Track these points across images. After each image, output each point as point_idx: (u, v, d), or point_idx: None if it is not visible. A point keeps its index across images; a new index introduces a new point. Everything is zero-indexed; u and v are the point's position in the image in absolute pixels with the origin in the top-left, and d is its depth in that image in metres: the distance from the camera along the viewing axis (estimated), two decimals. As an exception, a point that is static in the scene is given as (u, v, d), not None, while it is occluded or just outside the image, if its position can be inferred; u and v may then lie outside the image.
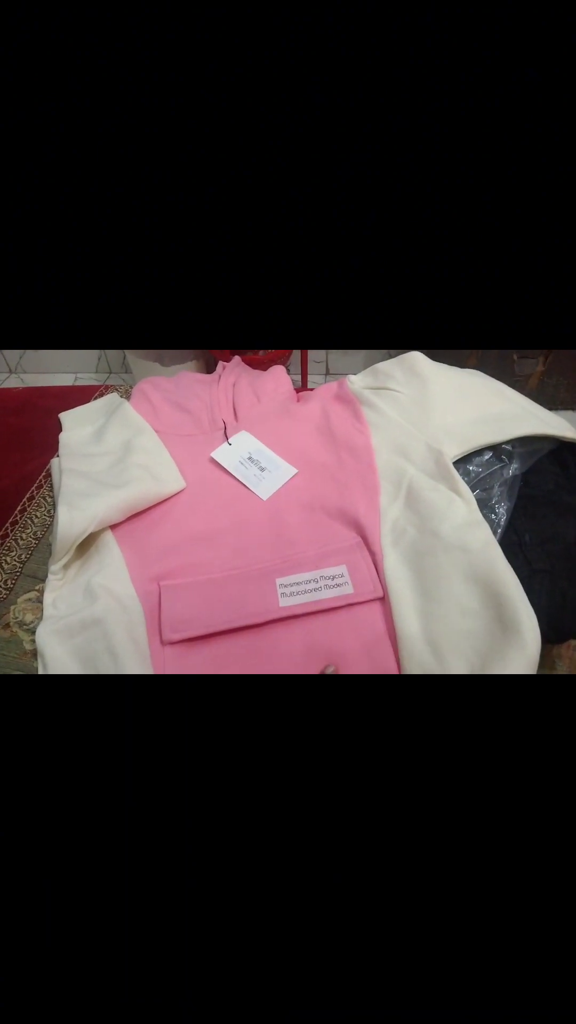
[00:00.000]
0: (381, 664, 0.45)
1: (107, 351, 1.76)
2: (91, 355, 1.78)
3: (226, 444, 0.66)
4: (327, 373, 1.80)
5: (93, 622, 0.47)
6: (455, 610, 0.45)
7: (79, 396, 0.85)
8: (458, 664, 0.42)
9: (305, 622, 0.48)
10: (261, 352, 1.68)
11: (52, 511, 0.65)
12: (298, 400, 0.76)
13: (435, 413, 0.61)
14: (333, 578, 0.50)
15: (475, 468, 0.55)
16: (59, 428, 0.74)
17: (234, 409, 0.73)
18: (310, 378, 1.69)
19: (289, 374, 1.77)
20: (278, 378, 0.77)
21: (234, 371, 0.80)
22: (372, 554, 0.51)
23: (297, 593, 0.49)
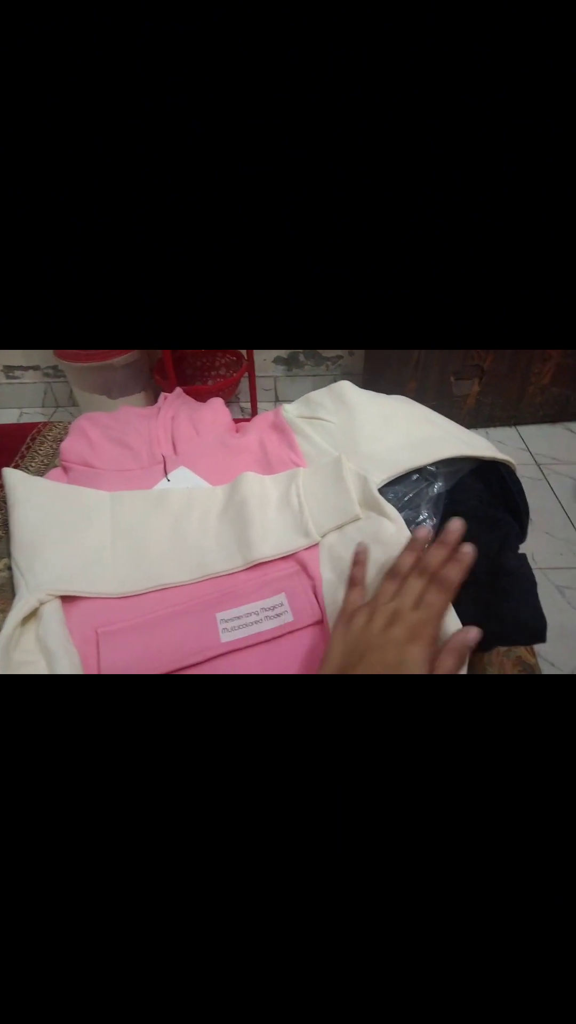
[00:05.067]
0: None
1: (53, 385, 1.76)
2: (37, 389, 1.77)
3: (164, 480, 0.67)
4: (276, 400, 1.83)
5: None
6: None
7: (15, 434, 0.84)
8: None
9: (246, 653, 0.49)
10: (210, 382, 1.71)
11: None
12: (237, 431, 0.78)
13: (362, 441, 0.64)
14: (273, 608, 0.51)
15: (402, 489, 0.58)
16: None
17: (173, 442, 0.74)
18: (260, 405, 1.71)
19: (239, 402, 1.81)
20: (216, 410, 0.79)
21: (174, 403, 0.82)
22: (311, 580, 0.53)
23: (238, 627, 0.50)
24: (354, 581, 0.47)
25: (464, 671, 0.44)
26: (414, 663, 0.39)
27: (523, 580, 0.53)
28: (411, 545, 0.47)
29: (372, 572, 0.49)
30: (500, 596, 0.50)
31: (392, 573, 0.45)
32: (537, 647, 0.86)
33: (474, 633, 0.41)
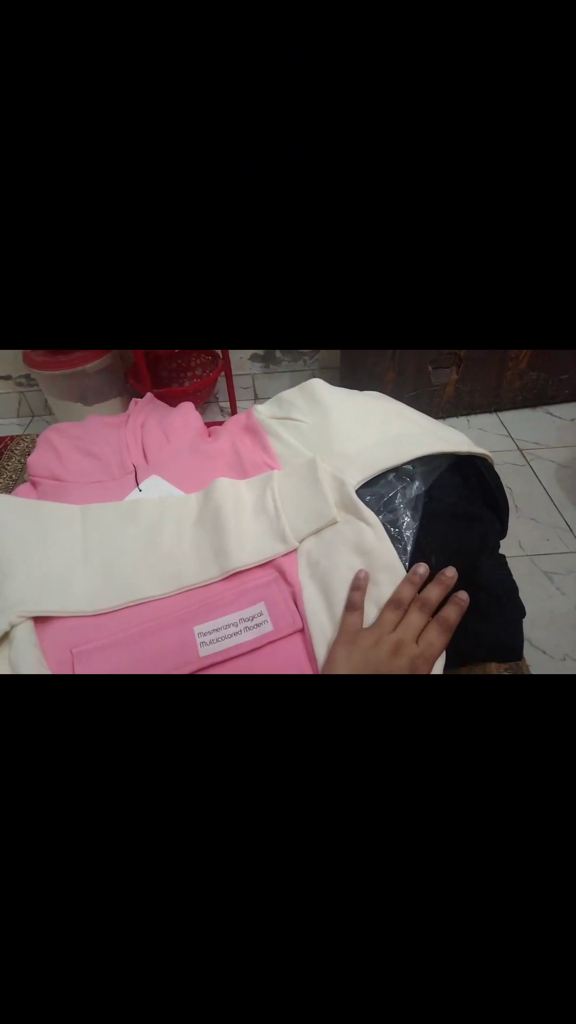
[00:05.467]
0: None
1: (27, 395, 1.71)
2: (11, 400, 1.73)
3: (136, 490, 0.65)
4: (255, 398, 1.82)
5: None
6: None
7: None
8: None
9: (226, 666, 0.47)
10: (187, 383, 1.69)
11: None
12: (208, 435, 0.76)
13: (337, 441, 0.63)
14: (252, 618, 0.50)
15: (380, 490, 0.57)
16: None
17: (143, 451, 0.72)
18: (239, 404, 1.70)
19: (218, 402, 1.79)
20: (187, 414, 0.77)
21: (143, 410, 0.80)
22: (290, 587, 0.52)
23: (217, 640, 0.48)
24: (353, 605, 0.48)
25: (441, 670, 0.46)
26: None
27: (502, 592, 0.54)
28: (411, 578, 0.49)
29: (343, 591, 0.49)
30: (478, 615, 0.51)
31: (394, 603, 0.48)
32: (528, 635, 0.88)
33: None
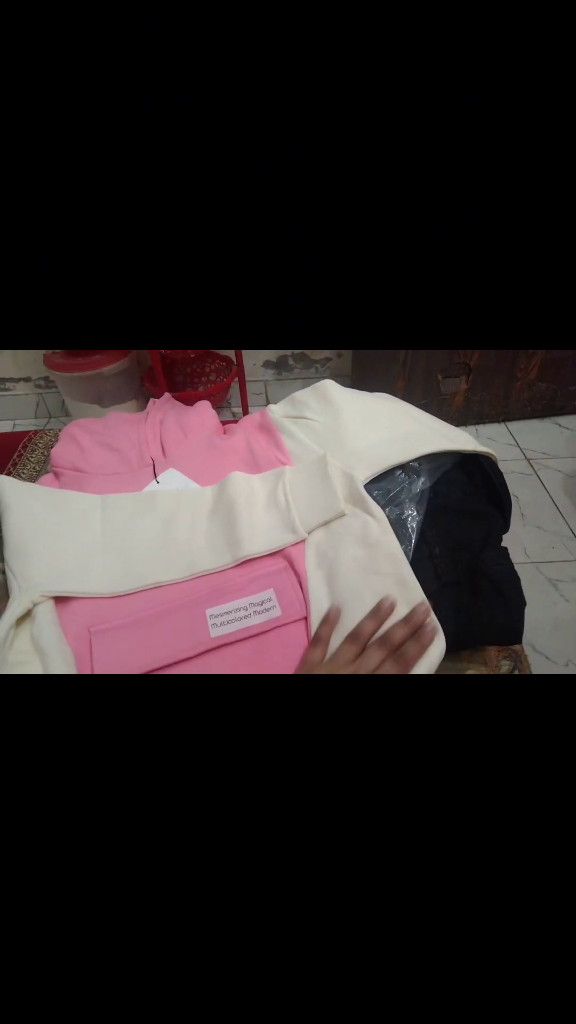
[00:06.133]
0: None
1: (45, 396, 1.75)
2: (29, 401, 1.76)
3: (154, 482, 0.68)
4: (267, 404, 1.83)
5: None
6: None
7: (7, 442, 0.84)
8: None
9: (236, 647, 0.49)
10: (201, 388, 1.70)
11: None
12: (224, 432, 0.79)
13: (347, 439, 0.65)
14: (262, 603, 0.52)
15: (387, 485, 0.58)
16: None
17: (162, 445, 0.74)
18: (251, 410, 1.71)
19: (231, 407, 1.81)
20: (203, 413, 0.80)
21: (162, 408, 0.83)
22: (297, 576, 0.53)
23: (228, 622, 0.51)
24: (319, 639, 0.47)
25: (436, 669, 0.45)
26: None
27: (503, 582, 0.54)
28: (375, 613, 0.47)
29: (356, 576, 0.51)
30: (478, 598, 0.52)
31: (353, 637, 0.46)
32: (531, 640, 0.87)
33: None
